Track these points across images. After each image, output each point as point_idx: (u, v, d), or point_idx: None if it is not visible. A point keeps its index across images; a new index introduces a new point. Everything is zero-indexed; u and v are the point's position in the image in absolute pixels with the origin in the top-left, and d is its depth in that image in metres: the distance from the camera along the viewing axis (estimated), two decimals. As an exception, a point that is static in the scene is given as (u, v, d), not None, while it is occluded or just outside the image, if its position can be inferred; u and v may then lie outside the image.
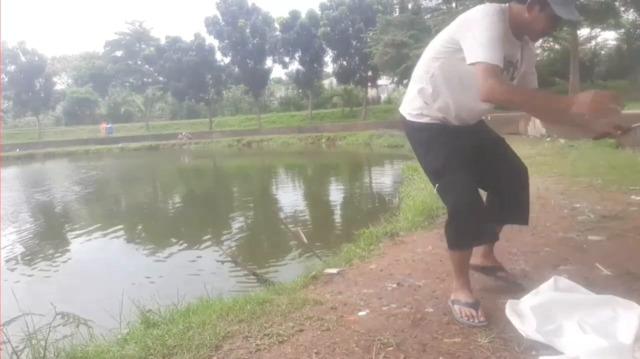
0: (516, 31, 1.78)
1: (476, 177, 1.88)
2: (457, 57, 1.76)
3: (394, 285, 2.41)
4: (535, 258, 2.62)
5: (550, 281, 1.89)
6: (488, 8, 1.71)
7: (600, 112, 1.49)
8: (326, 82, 47.46)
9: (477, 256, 2.16)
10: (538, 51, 27.46)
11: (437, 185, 1.90)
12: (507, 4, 1.78)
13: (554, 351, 1.54)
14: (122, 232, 7.53)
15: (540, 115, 1.75)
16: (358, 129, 30.19)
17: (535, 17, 1.72)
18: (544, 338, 1.58)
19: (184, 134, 39.67)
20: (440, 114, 1.91)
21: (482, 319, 1.82)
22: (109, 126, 44.71)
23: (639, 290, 2.00)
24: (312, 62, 38.94)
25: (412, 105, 1.97)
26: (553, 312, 1.68)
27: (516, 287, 2.12)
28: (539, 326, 1.63)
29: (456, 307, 1.91)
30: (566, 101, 1.54)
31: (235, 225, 7.86)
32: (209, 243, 6.32)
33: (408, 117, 2.00)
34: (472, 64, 1.65)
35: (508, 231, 3.13)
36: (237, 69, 41.43)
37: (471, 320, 1.83)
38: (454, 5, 24.97)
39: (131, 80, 53.12)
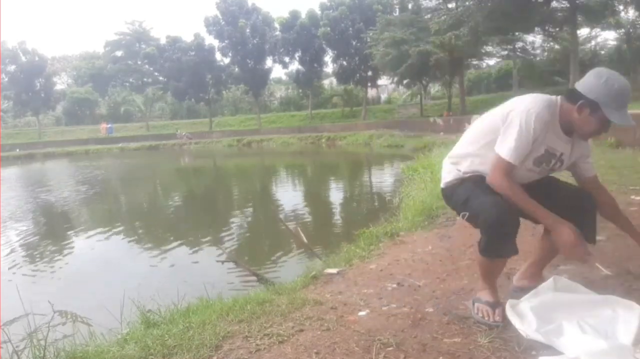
0: (565, 127, 1.77)
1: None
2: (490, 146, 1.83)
3: (394, 285, 2.40)
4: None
5: (550, 280, 1.89)
6: (536, 101, 1.74)
7: (573, 256, 1.72)
8: (326, 82, 47.48)
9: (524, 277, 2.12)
10: (538, 51, 27.53)
11: (463, 214, 1.86)
12: (558, 97, 1.79)
13: (554, 351, 1.53)
14: (123, 231, 7.53)
15: (530, 216, 1.77)
16: (358, 129, 30.21)
17: (586, 118, 1.70)
18: (543, 338, 1.58)
19: (184, 133, 39.71)
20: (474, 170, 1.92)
21: (497, 319, 1.79)
22: (109, 125, 44.74)
23: (639, 290, 2.00)
24: (312, 62, 38.97)
25: (447, 177, 1.99)
26: (553, 312, 1.68)
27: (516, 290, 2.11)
28: (539, 326, 1.63)
29: (476, 305, 1.88)
30: (549, 222, 1.70)
31: (236, 225, 7.86)
32: (209, 243, 6.32)
33: (444, 186, 2.01)
34: (496, 152, 1.76)
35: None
36: (237, 69, 41.48)
37: (486, 318, 1.81)
38: (453, 5, 24.99)
39: (131, 80, 53.13)
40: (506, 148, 1.72)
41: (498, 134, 1.79)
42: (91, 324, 2.02)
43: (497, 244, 1.73)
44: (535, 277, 2.08)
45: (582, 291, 1.84)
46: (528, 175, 1.86)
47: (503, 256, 1.82)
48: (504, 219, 1.68)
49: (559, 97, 1.79)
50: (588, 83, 1.70)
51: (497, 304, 1.85)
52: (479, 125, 1.94)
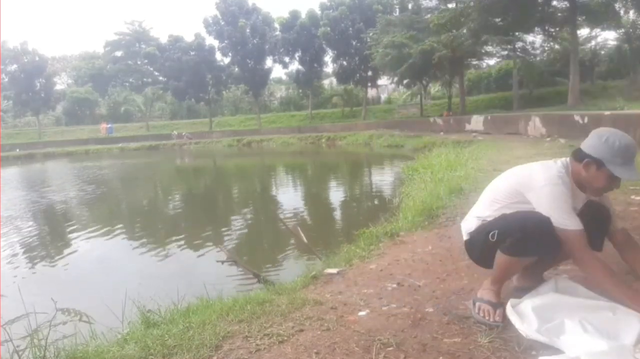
0: (578, 184, 1.84)
1: None
2: (519, 206, 1.84)
3: (394, 285, 2.40)
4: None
5: (551, 281, 1.89)
6: (552, 174, 1.78)
7: None
8: (326, 82, 47.47)
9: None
10: (538, 51, 27.54)
11: (492, 233, 1.85)
12: (567, 159, 1.87)
13: (554, 351, 1.53)
14: (123, 231, 7.53)
15: (603, 287, 1.77)
16: (358, 129, 30.19)
17: (594, 175, 1.77)
18: (545, 337, 1.58)
19: (183, 133, 39.70)
20: None
21: (497, 319, 1.80)
22: (109, 125, 44.75)
23: (639, 290, 2.00)
24: (312, 62, 38.96)
25: (471, 228, 2.02)
26: (554, 312, 1.68)
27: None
28: (540, 326, 1.63)
29: (477, 304, 1.90)
30: (628, 297, 1.65)
31: (236, 225, 7.86)
32: (209, 243, 6.32)
33: (468, 238, 2.03)
34: (562, 230, 1.73)
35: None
36: (237, 69, 41.47)
37: (487, 317, 1.82)
38: (453, 5, 25.01)
39: (131, 80, 53.17)
40: (568, 220, 1.72)
41: (518, 197, 1.85)
42: (93, 321, 2.02)
43: (527, 243, 1.74)
44: (536, 277, 2.08)
45: (583, 292, 1.84)
46: None
47: (528, 255, 1.82)
48: (542, 231, 1.72)
49: (567, 159, 1.87)
50: (591, 143, 1.78)
51: (499, 305, 1.86)
52: (496, 188, 1.99)
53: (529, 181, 1.83)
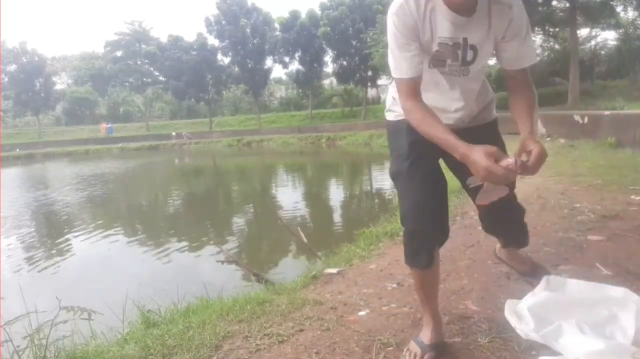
0: (456, 6, 1.36)
1: (438, 187, 1.57)
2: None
3: (394, 285, 2.40)
4: (535, 258, 2.61)
5: (543, 281, 1.89)
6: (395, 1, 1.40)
7: (493, 181, 1.26)
8: (326, 82, 47.46)
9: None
10: (538, 51, 27.52)
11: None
12: None
13: (554, 351, 1.54)
14: (124, 231, 7.53)
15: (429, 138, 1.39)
16: (358, 129, 30.16)
17: None
18: (542, 340, 1.58)
19: (183, 133, 39.70)
20: None
21: None
22: (109, 125, 44.72)
23: (639, 290, 2.00)
24: (312, 62, 38.92)
25: (386, 103, 1.76)
26: (550, 313, 1.68)
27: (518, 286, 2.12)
28: (537, 327, 1.63)
29: (411, 342, 1.64)
30: (460, 152, 1.27)
31: (236, 225, 7.86)
32: (209, 243, 6.32)
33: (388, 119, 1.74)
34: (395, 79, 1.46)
35: (508, 231, 3.13)
36: (237, 69, 41.45)
37: None
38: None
39: (131, 80, 53.13)
40: (392, 67, 1.42)
41: None
42: (94, 319, 2.02)
43: (410, 254, 1.56)
44: (513, 256, 2.10)
45: (574, 285, 1.84)
46: (444, 80, 1.52)
47: (415, 267, 1.57)
48: (415, 232, 1.52)
49: None
50: None
51: (429, 348, 1.55)
52: None
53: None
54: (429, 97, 1.47)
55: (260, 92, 43.80)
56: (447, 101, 1.56)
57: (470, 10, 1.37)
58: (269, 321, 2.02)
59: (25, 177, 19.95)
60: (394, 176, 1.63)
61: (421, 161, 1.54)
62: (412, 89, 1.40)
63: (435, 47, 1.42)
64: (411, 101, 1.40)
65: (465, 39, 1.40)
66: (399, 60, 1.39)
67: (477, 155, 1.22)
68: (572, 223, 3.25)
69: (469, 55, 1.43)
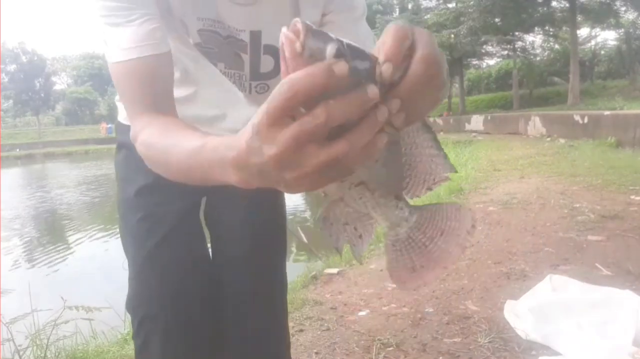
0: None
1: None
2: None
3: (394, 285, 2.40)
4: (535, 258, 2.62)
5: (546, 279, 1.89)
6: None
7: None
8: (326, 82, 47.53)
9: None
10: (538, 51, 27.55)
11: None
12: None
13: (554, 351, 1.54)
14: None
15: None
16: (358, 129, 30.17)
17: None
18: (542, 340, 1.58)
19: None
20: None
21: None
22: (109, 125, 44.72)
23: (639, 290, 2.00)
24: (312, 62, 38.99)
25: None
26: (551, 313, 1.68)
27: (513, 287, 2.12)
28: (537, 328, 1.63)
29: None
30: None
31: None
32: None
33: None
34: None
35: (508, 231, 3.13)
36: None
37: None
38: (454, 5, 25.02)
39: (131, 80, 53.13)
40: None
41: None
42: (95, 318, 2.02)
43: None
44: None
45: (578, 287, 1.84)
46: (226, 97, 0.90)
47: None
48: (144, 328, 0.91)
49: None
50: None
51: None
52: None
53: None
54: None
55: (260, 92, 43.86)
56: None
57: None
58: (269, 321, 2.02)
59: (31, 177, 19.95)
60: (123, 237, 1.00)
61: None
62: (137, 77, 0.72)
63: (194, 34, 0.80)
64: (144, 124, 0.68)
65: (255, 33, 0.81)
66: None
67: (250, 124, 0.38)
68: (572, 223, 3.25)
69: (250, 49, 0.82)
